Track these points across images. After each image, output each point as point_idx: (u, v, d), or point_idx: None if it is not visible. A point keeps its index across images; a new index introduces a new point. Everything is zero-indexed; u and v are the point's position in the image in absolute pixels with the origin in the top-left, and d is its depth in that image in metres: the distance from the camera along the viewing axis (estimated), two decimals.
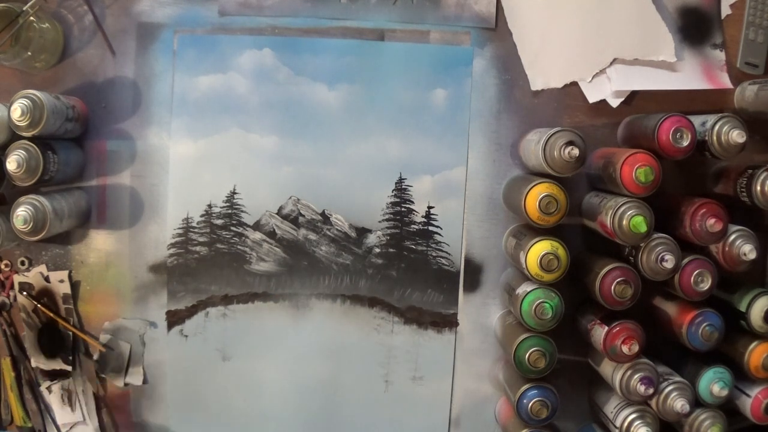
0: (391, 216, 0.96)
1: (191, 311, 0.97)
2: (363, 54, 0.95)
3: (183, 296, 0.97)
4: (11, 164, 0.82)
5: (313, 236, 0.96)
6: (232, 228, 0.96)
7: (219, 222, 0.96)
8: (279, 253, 0.96)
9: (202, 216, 0.96)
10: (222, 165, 0.95)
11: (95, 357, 0.96)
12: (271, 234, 0.96)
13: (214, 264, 0.96)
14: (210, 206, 0.96)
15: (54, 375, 0.97)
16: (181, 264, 0.96)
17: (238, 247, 0.96)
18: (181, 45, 0.94)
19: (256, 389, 0.97)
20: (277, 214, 0.96)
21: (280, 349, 0.97)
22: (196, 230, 0.96)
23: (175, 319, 0.97)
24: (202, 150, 0.95)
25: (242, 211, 0.96)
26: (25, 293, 0.95)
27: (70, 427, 0.98)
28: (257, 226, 0.96)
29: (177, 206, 0.96)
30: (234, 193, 0.96)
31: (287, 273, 0.97)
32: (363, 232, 0.96)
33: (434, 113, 0.95)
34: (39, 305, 0.94)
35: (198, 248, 0.96)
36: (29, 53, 0.88)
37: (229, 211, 0.96)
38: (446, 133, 0.95)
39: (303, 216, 0.96)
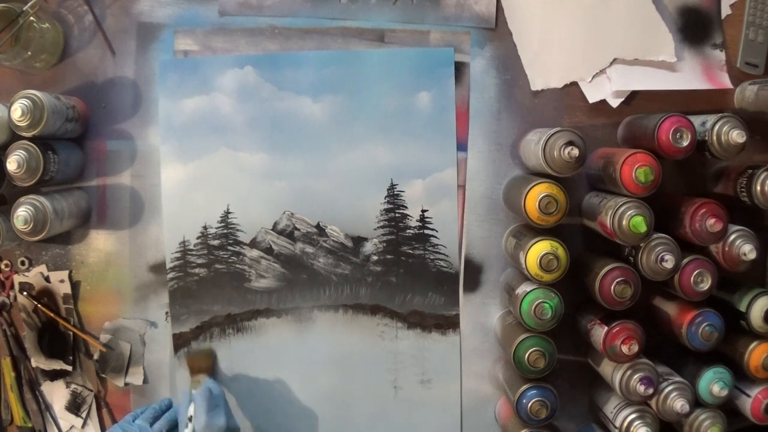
0: (386, 222, 0.96)
1: (196, 333, 0.97)
2: (344, 64, 0.94)
3: (187, 318, 0.96)
4: (11, 164, 0.82)
5: (310, 249, 0.96)
6: (229, 247, 0.96)
7: (215, 242, 0.96)
8: (278, 268, 0.96)
9: (198, 238, 0.96)
10: (213, 185, 0.95)
11: (95, 357, 0.97)
12: (268, 250, 0.96)
13: (215, 284, 0.96)
14: (205, 227, 0.96)
15: (54, 375, 0.97)
16: (181, 287, 0.96)
17: (237, 265, 0.96)
18: (162, 69, 0.94)
19: (265, 405, 0.97)
20: (272, 230, 0.96)
21: (287, 364, 0.97)
22: (193, 252, 0.96)
23: (181, 341, 0.96)
24: (192, 172, 0.95)
25: (238, 230, 0.96)
26: (25, 293, 0.95)
27: (71, 427, 0.98)
28: (254, 244, 0.96)
29: (173, 230, 0.95)
30: (228, 212, 0.95)
31: (287, 287, 0.97)
32: (359, 240, 0.96)
33: (420, 116, 0.95)
34: (39, 305, 0.94)
35: (197, 270, 0.96)
36: (29, 53, 0.88)
37: (225, 231, 0.96)
38: (433, 135, 0.95)
39: (298, 230, 0.96)
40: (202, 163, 0.95)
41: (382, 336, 0.97)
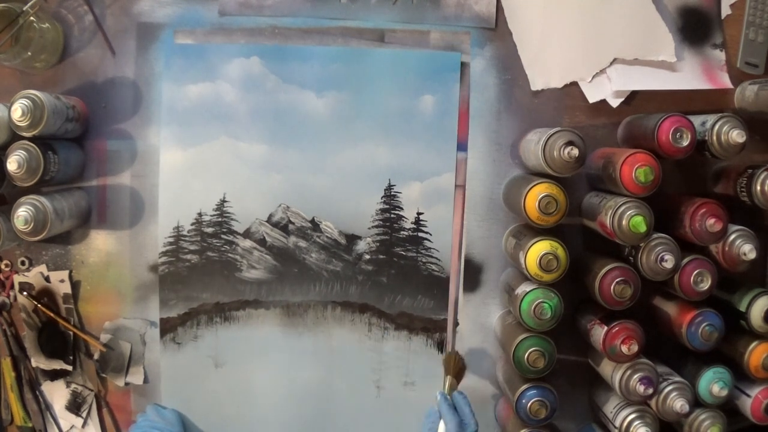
0: (381, 222, 0.96)
1: (183, 319, 0.97)
2: (350, 61, 0.94)
3: (175, 304, 0.97)
4: (12, 164, 0.82)
5: (303, 243, 0.96)
6: (223, 236, 0.96)
7: (209, 230, 0.96)
8: (269, 260, 0.96)
9: (192, 224, 0.96)
10: (212, 173, 0.95)
11: (96, 357, 0.97)
12: (261, 242, 0.96)
13: (205, 272, 0.96)
14: (200, 214, 0.96)
15: (54, 375, 0.97)
16: (172, 272, 0.96)
17: (229, 254, 0.96)
18: (169, 54, 0.94)
19: (248, 396, 0.98)
20: (267, 221, 0.96)
21: (272, 356, 0.97)
22: (186, 238, 0.96)
23: (167, 326, 0.97)
24: (191, 158, 0.95)
25: (232, 219, 0.96)
26: (25, 293, 0.95)
27: (71, 427, 0.98)
28: (247, 234, 0.96)
29: (167, 214, 0.95)
30: (224, 201, 0.96)
31: (278, 280, 0.97)
32: (353, 238, 0.96)
33: (422, 119, 0.95)
34: (39, 305, 0.94)
35: (189, 256, 0.96)
36: (29, 53, 0.88)
37: (219, 219, 0.96)
38: (435, 139, 0.95)
39: (293, 223, 0.96)
40: (202, 150, 0.95)
41: (369, 335, 0.97)
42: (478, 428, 0.83)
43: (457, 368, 0.89)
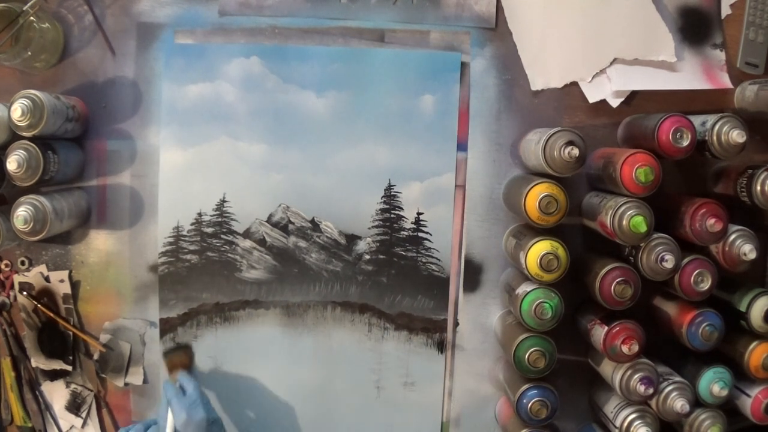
0: (381, 222, 0.96)
1: (183, 319, 0.97)
2: (351, 61, 0.94)
3: (175, 304, 0.97)
4: (11, 164, 0.82)
5: (303, 243, 0.96)
6: (222, 236, 0.96)
7: (209, 230, 0.96)
8: (269, 260, 0.96)
9: (192, 224, 0.96)
10: (211, 173, 0.95)
11: (95, 357, 0.97)
12: (261, 242, 0.96)
13: (205, 272, 0.96)
14: (200, 214, 0.96)
15: (54, 375, 0.97)
16: (172, 272, 0.96)
17: (229, 255, 0.96)
18: (169, 54, 0.94)
19: (248, 396, 0.97)
20: (266, 221, 0.96)
21: (272, 357, 0.97)
22: (186, 238, 0.96)
23: (167, 327, 0.97)
24: (191, 158, 0.95)
25: (232, 219, 0.96)
26: (25, 293, 0.95)
27: (71, 427, 0.98)
28: (247, 234, 0.96)
29: (167, 215, 0.95)
30: (224, 201, 0.96)
31: (278, 280, 0.97)
32: (353, 238, 0.96)
33: (422, 119, 0.95)
34: (39, 305, 0.94)
35: (189, 256, 0.96)
36: (29, 53, 0.88)
37: (219, 219, 0.96)
38: (434, 139, 0.95)
39: (293, 223, 0.96)
40: (202, 150, 0.95)
41: (369, 335, 0.97)
42: (206, 401, 0.86)
43: (183, 363, 0.93)
